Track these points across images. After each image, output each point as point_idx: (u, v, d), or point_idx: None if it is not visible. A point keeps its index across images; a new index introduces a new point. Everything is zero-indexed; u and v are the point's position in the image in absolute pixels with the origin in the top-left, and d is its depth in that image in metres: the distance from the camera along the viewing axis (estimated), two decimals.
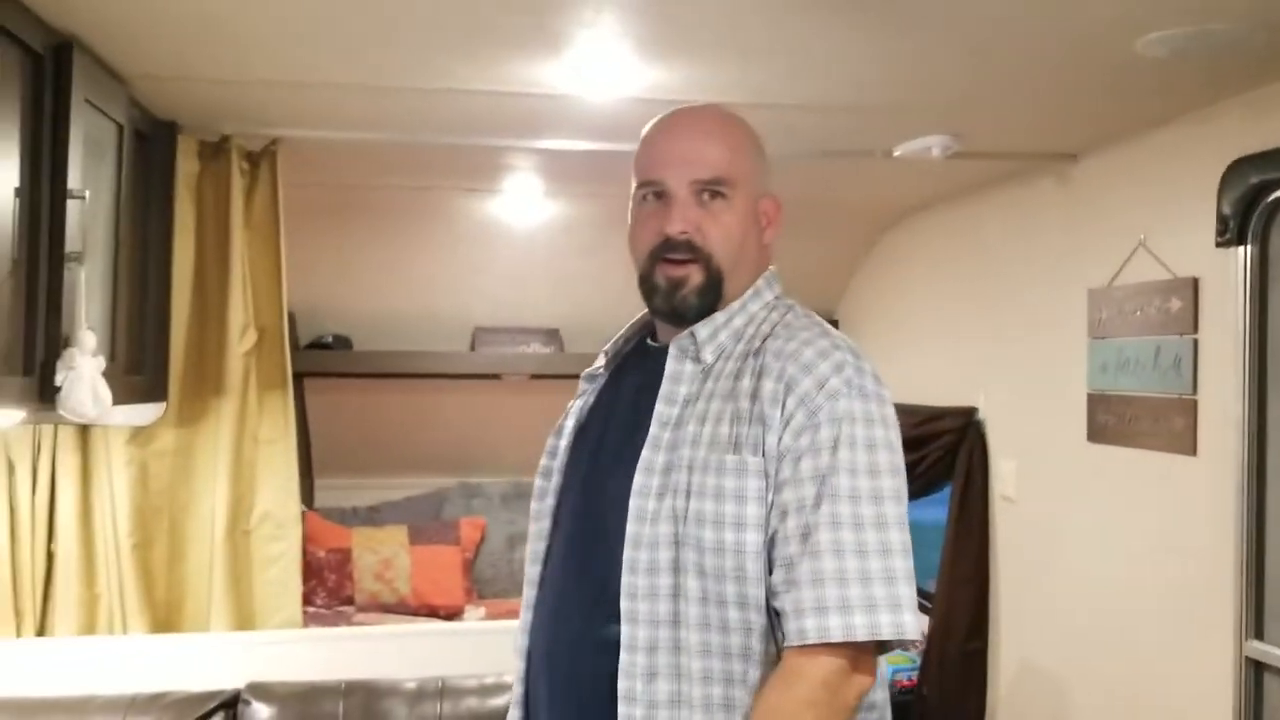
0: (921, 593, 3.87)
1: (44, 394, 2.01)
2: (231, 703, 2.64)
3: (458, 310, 4.45)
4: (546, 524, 1.56)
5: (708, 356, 1.47)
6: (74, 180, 2.06)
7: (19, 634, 2.78)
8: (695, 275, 1.47)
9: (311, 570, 4.23)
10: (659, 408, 1.44)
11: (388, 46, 2.23)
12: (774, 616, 1.35)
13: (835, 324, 4.78)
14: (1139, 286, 2.73)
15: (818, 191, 3.82)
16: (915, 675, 3.58)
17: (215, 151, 2.93)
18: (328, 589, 4.31)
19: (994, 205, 3.48)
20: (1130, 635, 2.75)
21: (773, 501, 1.36)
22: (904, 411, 3.78)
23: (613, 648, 1.38)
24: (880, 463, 1.38)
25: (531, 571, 1.57)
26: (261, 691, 2.66)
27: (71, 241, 2.05)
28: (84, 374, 2.04)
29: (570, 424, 1.60)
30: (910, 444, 3.68)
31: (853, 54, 2.22)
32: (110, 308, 2.37)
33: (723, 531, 1.36)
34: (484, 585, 4.65)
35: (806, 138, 2.95)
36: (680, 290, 1.47)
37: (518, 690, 1.57)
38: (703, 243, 1.47)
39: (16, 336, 1.94)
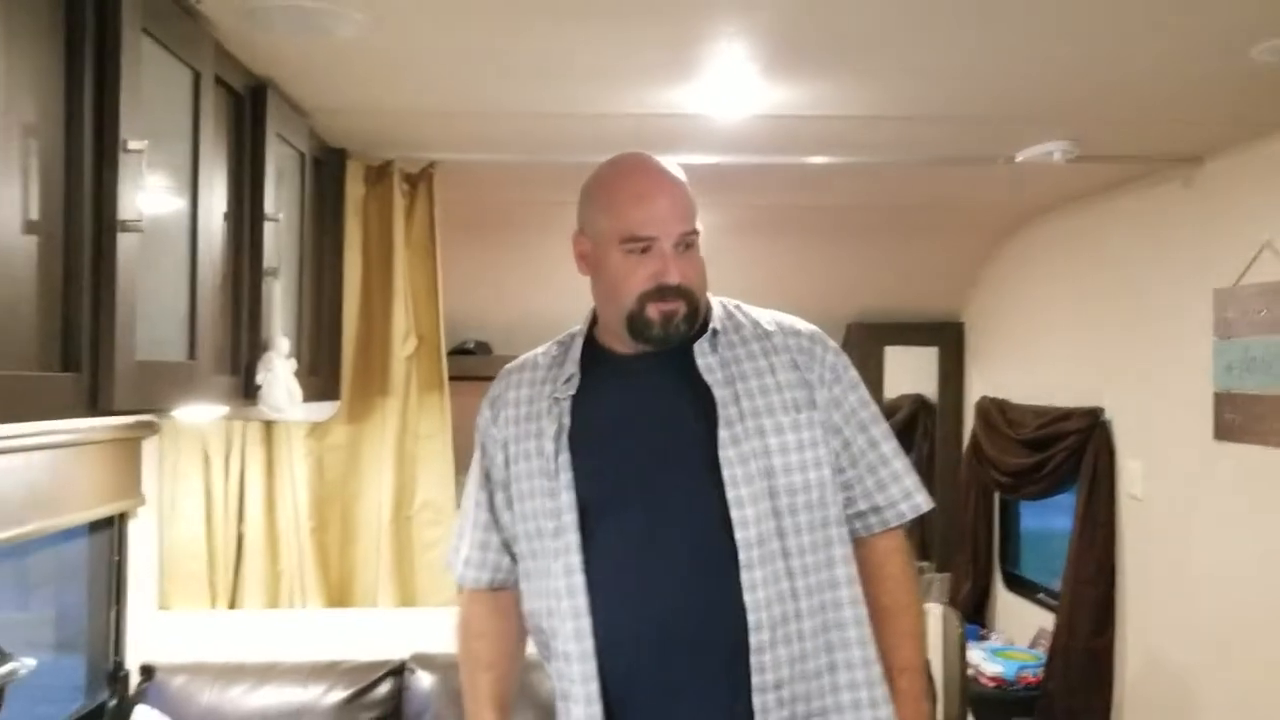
0: (1047, 591, 3.95)
1: (247, 392, 2.31)
2: (398, 671, 2.91)
3: None
4: (575, 537, 1.67)
5: (720, 347, 1.74)
6: (269, 205, 2.34)
7: (213, 606, 3.10)
8: (682, 309, 1.69)
9: None
10: (718, 393, 1.69)
11: (537, 79, 2.46)
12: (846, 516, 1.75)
13: (960, 328, 4.91)
14: (1264, 286, 2.78)
15: (940, 197, 3.93)
16: (1040, 672, 3.65)
17: (379, 175, 3.22)
18: None
19: (1119, 208, 3.54)
20: (1259, 632, 2.79)
21: (829, 440, 1.74)
22: (1030, 413, 3.90)
23: (730, 600, 1.62)
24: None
25: (574, 581, 1.66)
26: (425, 661, 2.92)
27: (268, 258, 2.34)
28: (280, 375, 2.33)
29: (550, 443, 1.71)
30: (1036, 445, 3.81)
31: (970, 66, 2.35)
32: (296, 316, 2.66)
33: (806, 473, 1.69)
34: None
35: (927, 146, 3.09)
36: (672, 321, 1.69)
37: (589, 689, 1.65)
38: (688, 285, 1.69)
39: (225, 342, 2.22)
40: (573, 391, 1.74)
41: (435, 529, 3.21)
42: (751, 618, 1.62)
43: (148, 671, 2.84)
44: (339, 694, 2.82)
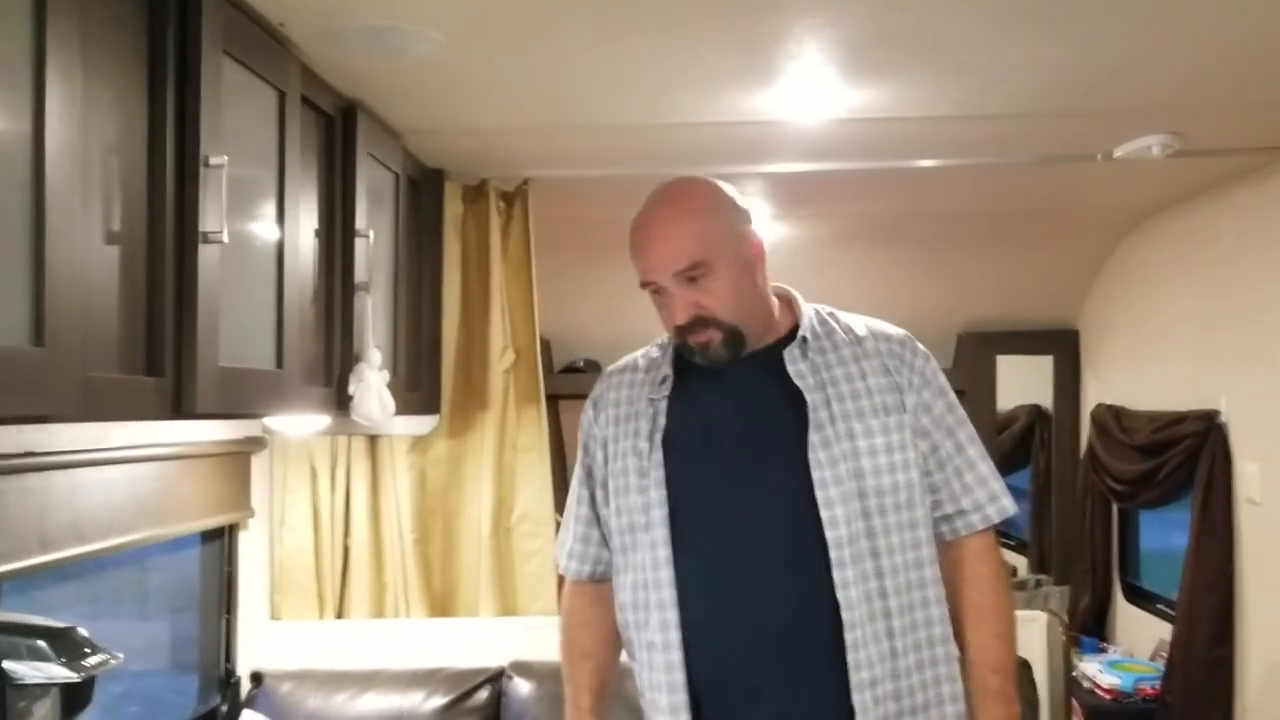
0: (1167, 602, 3.80)
1: (340, 402, 2.39)
2: (496, 678, 2.96)
3: None
4: (664, 532, 1.73)
5: (811, 354, 1.77)
6: (360, 222, 2.43)
7: (321, 616, 3.20)
8: (715, 336, 1.72)
9: None
10: (810, 398, 1.72)
11: (624, 90, 2.51)
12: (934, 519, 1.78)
13: (1075, 335, 4.77)
14: None
15: (1048, 201, 3.84)
16: (1158, 684, 3.51)
17: (476, 194, 3.30)
18: None
19: (1231, 202, 3.42)
20: None
21: (917, 444, 1.76)
22: (1144, 418, 3.77)
23: (821, 598, 1.66)
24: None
25: (661, 574, 1.71)
26: (523, 669, 2.97)
27: (359, 273, 2.42)
28: (372, 385, 2.41)
29: (645, 442, 1.77)
30: (1150, 450, 3.69)
31: (1055, 60, 2.30)
32: (392, 331, 2.74)
33: (895, 475, 1.72)
34: None
35: (1018, 146, 3.03)
36: (710, 349, 1.73)
37: (673, 678, 1.70)
38: (708, 313, 1.71)
39: (318, 354, 2.31)
40: (667, 392, 1.80)
41: (534, 540, 3.26)
42: (845, 615, 1.65)
43: (257, 678, 2.95)
44: (439, 700, 2.88)
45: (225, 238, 1.69)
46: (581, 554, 1.91)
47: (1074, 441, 4.73)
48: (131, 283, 1.57)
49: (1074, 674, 3.68)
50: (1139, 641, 4.00)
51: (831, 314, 1.86)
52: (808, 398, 1.72)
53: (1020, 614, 2.29)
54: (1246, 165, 3.21)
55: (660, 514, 1.74)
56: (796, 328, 1.80)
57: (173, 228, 1.63)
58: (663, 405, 1.79)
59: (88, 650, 1.61)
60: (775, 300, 1.84)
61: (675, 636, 1.70)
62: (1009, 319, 4.78)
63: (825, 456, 1.69)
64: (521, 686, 2.92)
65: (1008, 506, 1.81)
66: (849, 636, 1.65)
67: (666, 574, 1.72)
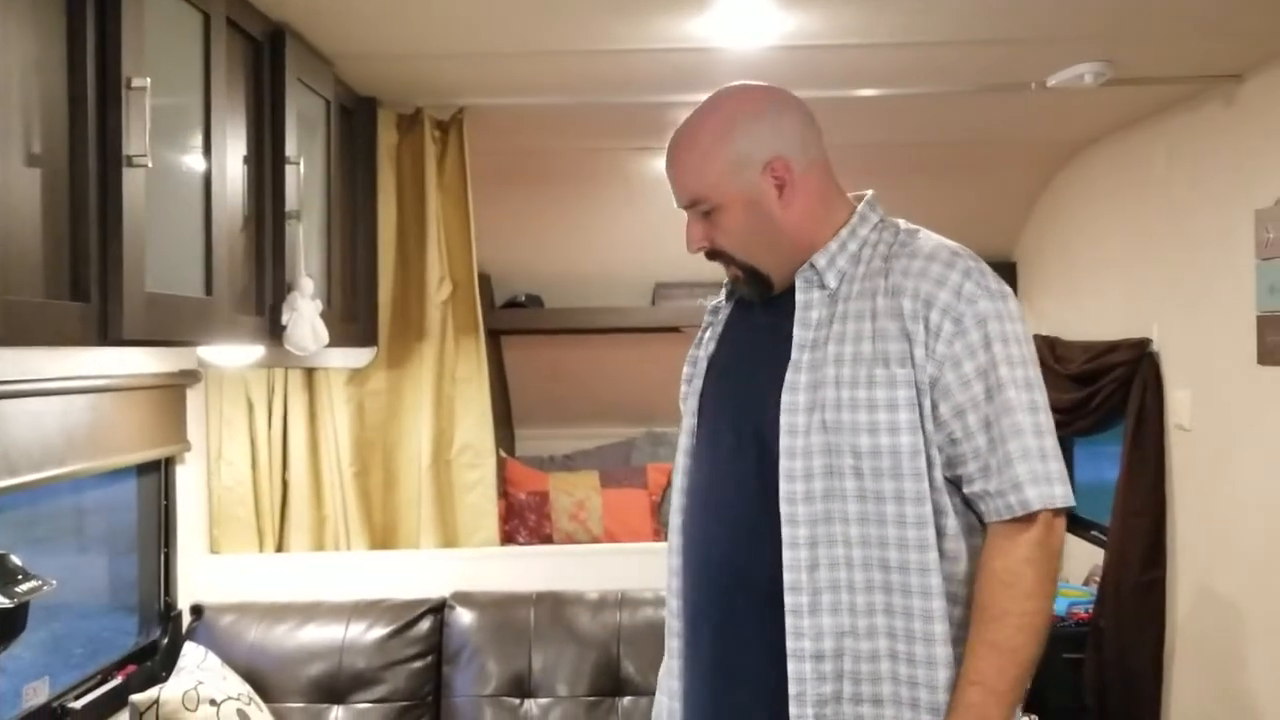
0: (1097, 526, 3.90)
1: (273, 331, 2.36)
2: (438, 608, 2.97)
3: (639, 267, 4.68)
4: (685, 460, 1.74)
5: (831, 282, 1.59)
6: (290, 149, 2.38)
7: (261, 550, 3.18)
8: (739, 274, 1.68)
9: (514, 510, 4.58)
10: (796, 333, 1.58)
11: (556, 13, 2.46)
12: (958, 501, 1.54)
13: (1013, 267, 4.82)
14: None
15: (984, 132, 3.86)
16: (1091, 608, 3.61)
17: (410, 123, 3.25)
18: (528, 528, 4.64)
19: (1163, 132, 3.46)
20: None
21: (936, 404, 1.52)
22: (1078, 348, 3.83)
23: (774, 546, 1.56)
24: (1026, 355, 1.55)
25: (680, 501, 1.75)
26: (464, 599, 2.99)
27: (290, 201, 2.38)
28: (305, 314, 2.38)
29: (703, 352, 1.77)
30: (1083, 379, 3.75)
31: None
32: (325, 262, 2.71)
33: (878, 437, 1.52)
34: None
35: (955, 74, 3.03)
36: (737, 283, 1.71)
37: (671, 604, 1.75)
38: (721, 248, 1.65)
39: (249, 282, 2.28)
40: (716, 323, 1.78)
41: (474, 471, 3.26)
42: (788, 577, 1.54)
43: (197, 611, 2.94)
44: (380, 630, 2.89)
45: (149, 162, 1.65)
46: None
47: None
48: (54, 206, 1.53)
49: None
50: (1072, 567, 4.11)
51: (902, 235, 1.63)
52: (795, 335, 1.58)
53: None
54: (1178, 94, 3.25)
55: (685, 442, 1.74)
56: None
57: (95, 150, 1.59)
58: (719, 331, 1.76)
59: (20, 577, 1.59)
60: (840, 216, 1.65)
61: (678, 562, 1.73)
62: None
63: (803, 403, 1.55)
64: (463, 616, 2.94)
65: (1031, 500, 1.48)
66: (789, 599, 1.53)
67: (680, 501, 1.73)
